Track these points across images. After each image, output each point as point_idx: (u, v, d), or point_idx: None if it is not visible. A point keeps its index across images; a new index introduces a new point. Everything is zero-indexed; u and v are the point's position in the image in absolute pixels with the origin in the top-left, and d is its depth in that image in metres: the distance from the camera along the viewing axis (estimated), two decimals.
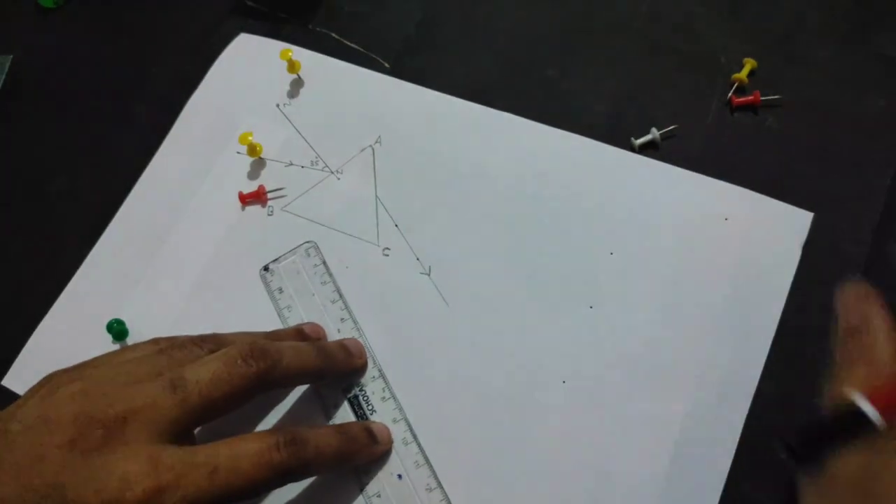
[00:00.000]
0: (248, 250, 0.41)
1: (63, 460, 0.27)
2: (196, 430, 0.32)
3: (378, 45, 0.47)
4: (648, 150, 0.42)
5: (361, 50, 0.47)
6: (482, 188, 0.41)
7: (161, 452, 0.28)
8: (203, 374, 0.30)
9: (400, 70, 0.46)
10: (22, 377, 0.39)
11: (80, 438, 0.28)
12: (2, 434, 0.28)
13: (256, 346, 0.31)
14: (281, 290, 0.40)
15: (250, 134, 0.42)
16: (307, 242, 0.41)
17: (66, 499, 0.26)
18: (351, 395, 0.37)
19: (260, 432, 0.30)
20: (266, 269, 0.41)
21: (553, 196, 0.40)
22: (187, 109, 0.46)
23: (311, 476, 0.34)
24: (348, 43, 0.48)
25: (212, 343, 0.33)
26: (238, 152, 0.43)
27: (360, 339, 0.38)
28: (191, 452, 0.28)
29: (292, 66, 0.44)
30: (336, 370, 0.36)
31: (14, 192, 0.47)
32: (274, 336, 0.36)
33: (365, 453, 0.34)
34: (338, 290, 0.40)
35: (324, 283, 0.40)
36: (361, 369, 0.37)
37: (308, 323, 0.38)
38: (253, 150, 0.43)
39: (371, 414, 0.36)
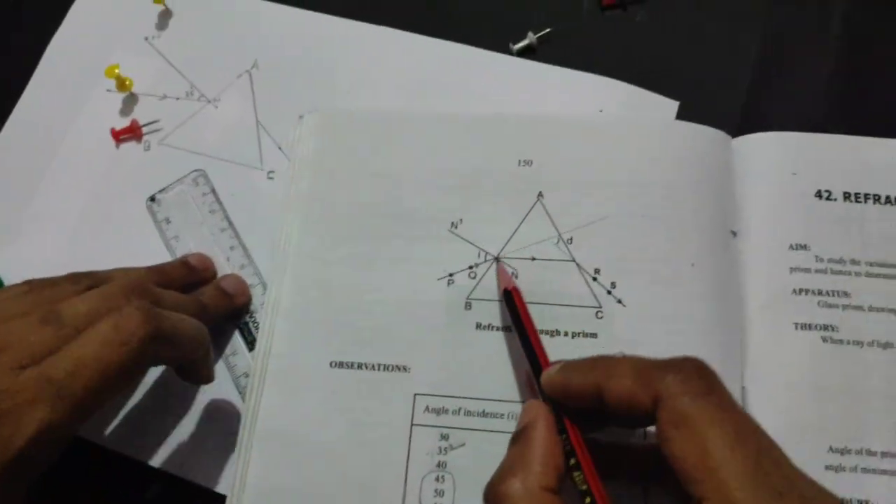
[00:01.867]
0: (127, 187, 0.40)
1: None
2: None
3: None
4: (527, 54, 0.42)
5: None
6: (366, 103, 0.41)
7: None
8: (80, 308, 0.29)
9: None
10: None
11: None
12: None
13: (138, 283, 0.31)
14: (168, 221, 0.39)
15: (116, 67, 0.41)
16: (195, 171, 0.40)
17: None
18: (241, 322, 0.37)
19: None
20: (153, 199, 0.39)
21: (437, 103, 0.40)
22: (51, 49, 0.43)
23: (174, 345, 0.31)
24: None
25: (89, 280, 0.32)
26: (109, 89, 0.42)
27: (249, 267, 0.38)
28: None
29: None
30: (213, 320, 0.35)
31: None
32: (158, 270, 0.35)
33: (221, 308, 0.36)
34: (227, 219, 0.39)
35: (212, 211, 0.39)
36: (244, 306, 0.37)
37: (194, 254, 0.38)
38: (122, 84, 0.41)
39: None
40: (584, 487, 0.25)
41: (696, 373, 0.24)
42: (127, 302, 0.30)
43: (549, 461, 0.25)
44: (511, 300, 0.32)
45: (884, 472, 0.32)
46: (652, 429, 0.24)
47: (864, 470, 0.32)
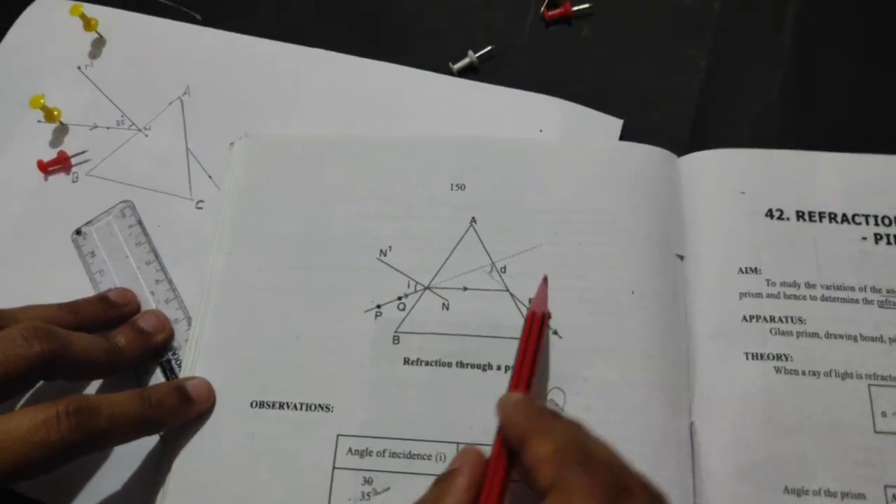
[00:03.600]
0: (54, 220, 0.38)
1: None
2: None
3: None
4: (468, 73, 0.41)
5: (171, 4, 0.45)
6: (301, 127, 0.39)
7: None
8: None
9: (213, 21, 0.44)
10: None
11: None
12: None
13: (42, 326, 0.29)
14: (93, 254, 0.37)
15: (42, 97, 0.39)
16: (123, 202, 0.39)
17: None
18: (163, 359, 0.35)
19: (37, 405, 0.27)
20: (78, 232, 0.38)
21: (374, 126, 0.39)
22: None
23: (109, 447, 0.32)
24: None
25: None
26: (39, 121, 0.41)
27: (174, 301, 0.36)
28: None
29: (88, 24, 0.42)
30: (130, 363, 0.33)
31: None
32: (72, 307, 0.33)
33: (178, 416, 0.32)
34: (153, 251, 0.37)
35: (139, 244, 0.38)
36: (164, 344, 0.35)
37: (115, 288, 0.36)
38: (51, 115, 0.40)
39: None
40: None
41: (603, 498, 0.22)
42: (28, 346, 0.28)
43: None
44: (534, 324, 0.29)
45: None
46: None
47: None
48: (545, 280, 0.31)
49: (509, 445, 0.25)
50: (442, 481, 0.26)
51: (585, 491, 0.21)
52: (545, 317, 0.30)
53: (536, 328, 0.29)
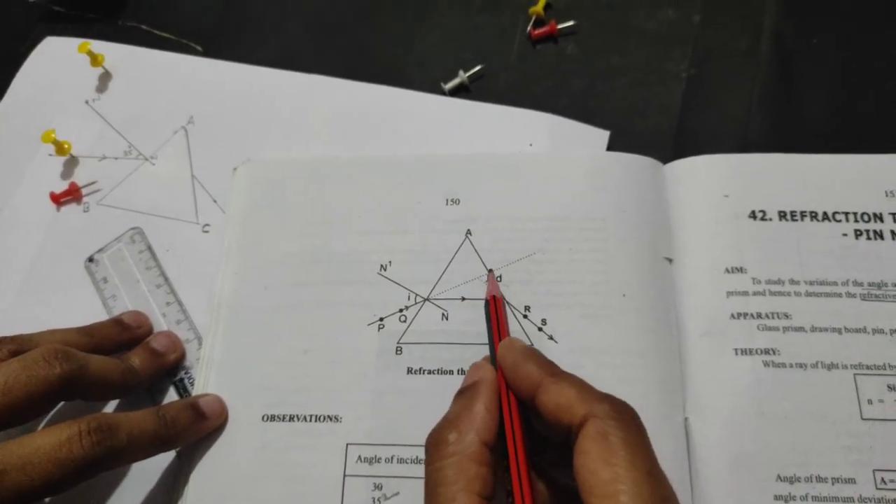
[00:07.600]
0: (67, 249, 0.40)
1: None
2: None
3: (189, 30, 0.47)
4: (460, 92, 0.42)
5: (173, 38, 0.47)
6: (300, 151, 0.41)
7: None
8: None
9: (213, 51, 0.46)
10: None
11: None
12: None
13: (62, 349, 0.30)
14: (106, 280, 0.39)
15: (53, 132, 0.41)
16: (132, 229, 0.40)
17: None
18: (176, 378, 0.36)
19: (60, 423, 0.29)
20: (91, 259, 0.40)
21: (371, 146, 0.40)
22: None
23: (127, 464, 0.34)
24: (159, 33, 0.47)
25: (13, 344, 0.32)
26: (50, 154, 0.42)
27: (185, 322, 0.38)
28: None
29: (95, 60, 0.43)
30: (145, 382, 0.35)
31: None
32: (88, 330, 0.35)
33: (192, 432, 0.33)
34: (163, 275, 0.39)
35: (149, 268, 0.39)
36: (176, 363, 0.36)
37: (128, 312, 0.37)
38: (61, 148, 0.41)
39: None
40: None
41: (632, 416, 0.25)
42: (49, 368, 0.29)
43: (490, 419, 0.26)
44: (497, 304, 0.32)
45: (835, 499, 0.31)
46: None
47: (815, 498, 0.31)
48: (491, 272, 0.35)
49: (515, 391, 0.27)
50: (466, 392, 0.27)
51: (616, 416, 0.24)
52: (501, 298, 0.32)
53: (501, 307, 0.31)
